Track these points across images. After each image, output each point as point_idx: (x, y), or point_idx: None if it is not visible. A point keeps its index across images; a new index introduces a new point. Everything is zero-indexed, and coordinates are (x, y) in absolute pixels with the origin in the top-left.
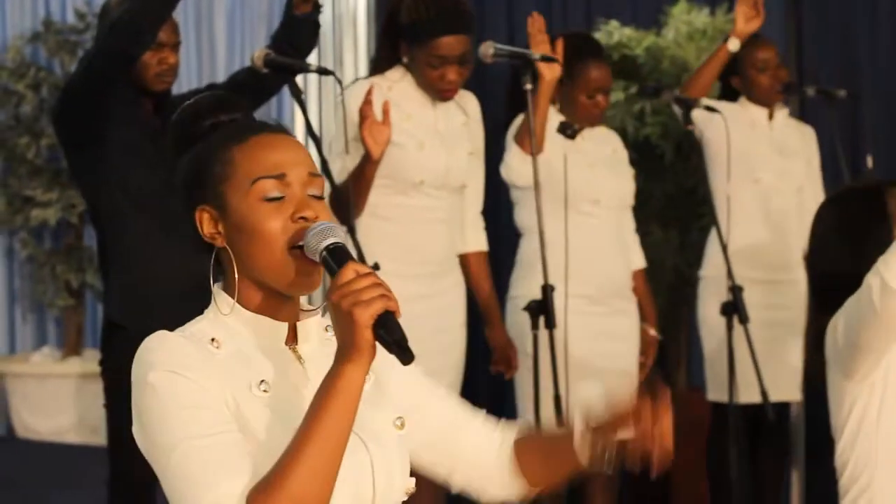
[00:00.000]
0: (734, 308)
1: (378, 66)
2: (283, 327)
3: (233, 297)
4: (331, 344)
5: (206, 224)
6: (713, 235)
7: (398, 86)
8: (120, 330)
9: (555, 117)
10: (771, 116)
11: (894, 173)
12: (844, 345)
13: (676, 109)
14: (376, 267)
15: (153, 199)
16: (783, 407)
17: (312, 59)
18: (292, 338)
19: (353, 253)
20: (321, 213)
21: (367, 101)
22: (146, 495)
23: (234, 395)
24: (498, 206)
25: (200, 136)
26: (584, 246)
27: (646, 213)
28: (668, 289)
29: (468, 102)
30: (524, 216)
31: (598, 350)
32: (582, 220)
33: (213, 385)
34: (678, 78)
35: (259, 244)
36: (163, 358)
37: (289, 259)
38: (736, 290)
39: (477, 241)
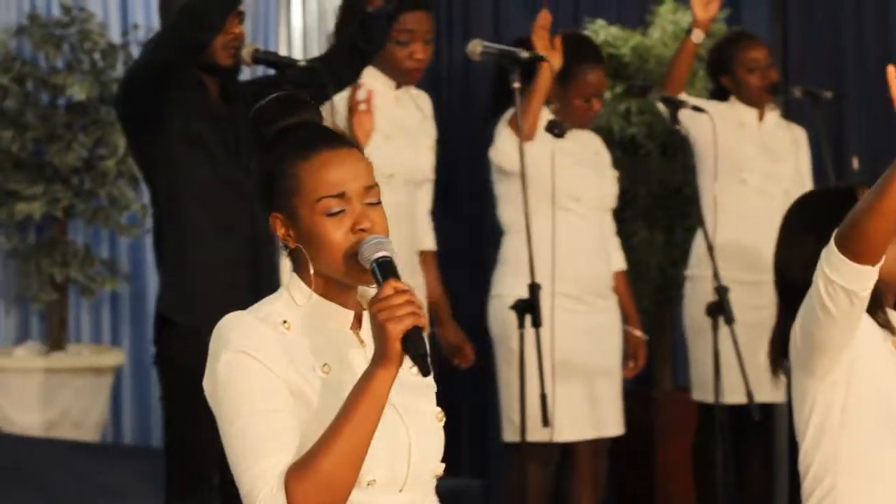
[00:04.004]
0: (720, 309)
1: None
2: (350, 314)
3: (308, 286)
4: None
5: (279, 228)
6: (700, 235)
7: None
8: (171, 324)
9: (544, 116)
10: (761, 117)
11: (880, 175)
12: (802, 345)
13: (663, 109)
14: None
15: (211, 191)
16: (768, 407)
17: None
18: (357, 323)
19: (399, 266)
20: (378, 219)
21: (356, 88)
22: (204, 488)
23: (299, 375)
24: (482, 202)
25: (271, 141)
26: (566, 244)
27: (631, 212)
28: (653, 289)
29: (423, 100)
30: (509, 212)
31: (581, 349)
32: (564, 217)
33: (278, 366)
34: (664, 77)
35: (324, 251)
36: (237, 338)
37: (348, 264)
38: (721, 291)
39: (431, 239)
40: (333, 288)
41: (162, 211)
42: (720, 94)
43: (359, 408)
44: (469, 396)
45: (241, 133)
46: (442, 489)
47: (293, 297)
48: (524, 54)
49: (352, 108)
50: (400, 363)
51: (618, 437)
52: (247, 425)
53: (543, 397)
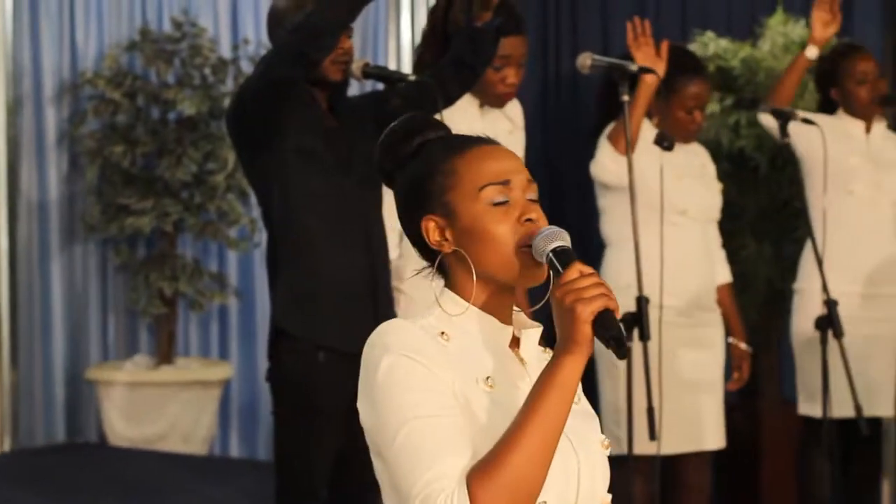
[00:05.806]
0: (829, 322)
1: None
2: (509, 330)
3: (465, 298)
4: (545, 361)
5: (432, 232)
6: (808, 248)
7: None
8: (286, 336)
9: (649, 130)
10: (868, 129)
11: None
12: None
13: (770, 122)
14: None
15: (325, 202)
16: (875, 422)
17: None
18: (514, 343)
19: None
20: (540, 215)
21: None
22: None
23: (462, 386)
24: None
25: (412, 154)
26: (672, 257)
27: (739, 225)
28: (760, 301)
29: (513, 109)
30: (612, 226)
31: (685, 361)
32: (669, 230)
33: (443, 373)
34: (771, 91)
35: (490, 245)
36: (398, 342)
37: (519, 257)
38: (831, 304)
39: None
40: (492, 300)
41: (275, 225)
42: (827, 107)
43: (547, 398)
44: None
45: (351, 146)
46: None
47: (447, 310)
48: (634, 67)
49: None
50: (590, 348)
51: (722, 449)
52: (414, 431)
53: (650, 411)
